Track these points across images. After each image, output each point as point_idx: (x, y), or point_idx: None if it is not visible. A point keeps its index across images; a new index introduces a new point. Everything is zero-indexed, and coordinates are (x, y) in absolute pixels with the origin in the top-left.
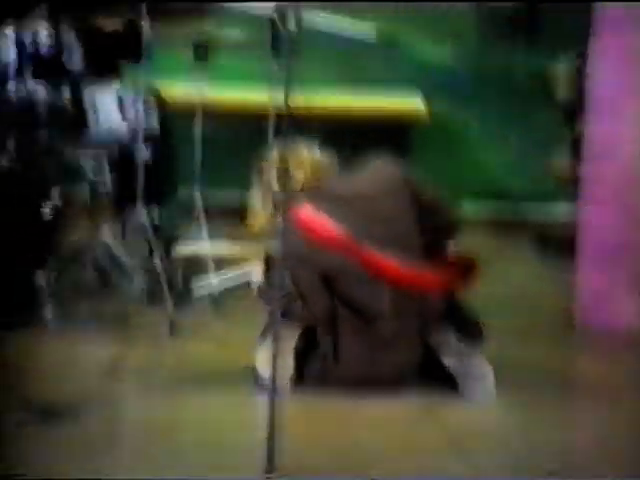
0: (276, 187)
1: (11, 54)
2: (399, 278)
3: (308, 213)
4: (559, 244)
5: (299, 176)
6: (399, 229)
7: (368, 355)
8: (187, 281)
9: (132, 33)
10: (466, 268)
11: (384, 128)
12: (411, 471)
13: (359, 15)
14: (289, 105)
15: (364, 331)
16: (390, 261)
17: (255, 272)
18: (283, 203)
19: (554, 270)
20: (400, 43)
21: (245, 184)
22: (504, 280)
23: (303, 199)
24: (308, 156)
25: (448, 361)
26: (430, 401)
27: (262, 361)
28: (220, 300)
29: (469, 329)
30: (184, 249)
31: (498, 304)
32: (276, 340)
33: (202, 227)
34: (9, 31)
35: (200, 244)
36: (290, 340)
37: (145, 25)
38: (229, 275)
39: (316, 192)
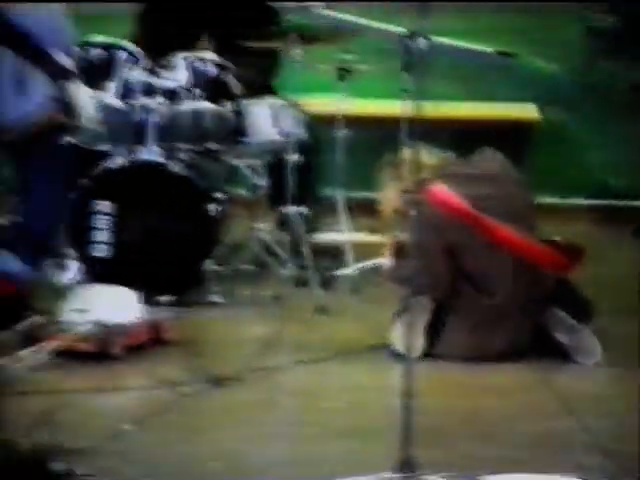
0: (406, 180)
1: (183, 77)
2: (521, 250)
3: (438, 190)
4: None
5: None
6: (518, 207)
7: (486, 327)
8: (331, 267)
9: (279, 55)
10: (574, 252)
11: (501, 134)
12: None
13: (480, 38)
14: (418, 114)
15: (483, 304)
16: (513, 234)
17: (386, 257)
18: (414, 187)
19: None
20: (516, 57)
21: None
22: (607, 264)
23: (434, 179)
24: (432, 156)
25: (559, 336)
26: (543, 370)
27: (397, 336)
28: (359, 283)
29: (578, 307)
30: (327, 237)
31: (603, 286)
32: (409, 315)
33: (342, 221)
34: (181, 58)
35: (341, 234)
36: (422, 316)
37: (293, 48)
38: (366, 263)
39: (444, 173)
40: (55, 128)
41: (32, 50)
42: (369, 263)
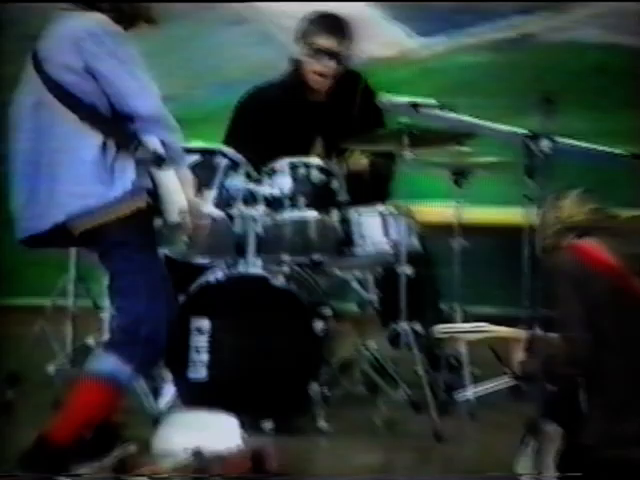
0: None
1: (286, 184)
2: None
3: (587, 243)
4: None
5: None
6: None
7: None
8: (449, 389)
9: (392, 159)
10: None
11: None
12: None
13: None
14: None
15: (627, 380)
16: None
17: (517, 352)
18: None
19: None
20: None
21: (502, 299)
22: None
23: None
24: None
25: None
26: None
27: (524, 466)
28: (479, 407)
29: None
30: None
31: None
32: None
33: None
34: (284, 163)
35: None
36: (552, 442)
37: (405, 151)
38: (487, 384)
39: (589, 228)
40: (142, 216)
41: (124, 133)
42: (490, 385)
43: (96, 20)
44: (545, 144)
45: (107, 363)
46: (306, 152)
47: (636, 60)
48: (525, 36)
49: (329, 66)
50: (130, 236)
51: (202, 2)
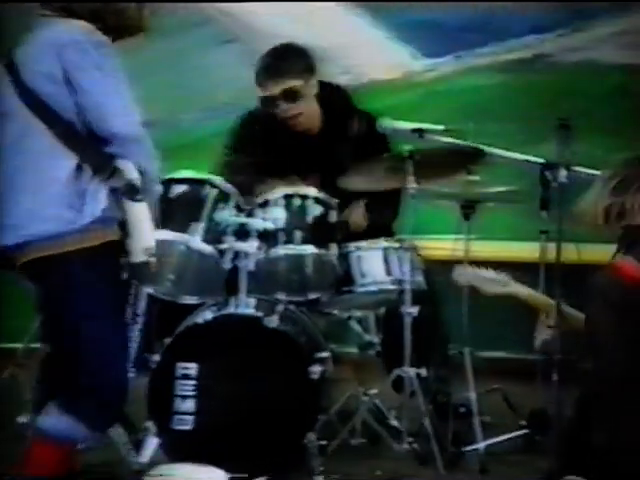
0: None
1: (281, 217)
2: None
3: (626, 263)
4: None
5: None
6: None
7: None
8: (458, 440)
9: (395, 193)
10: None
11: None
12: None
13: None
14: (559, 259)
15: None
16: None
17: (541, 326)
18: None
19: None
20: None
21: (516, 342)
22: None
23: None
24: None
25: None
26: None
27: None
28: (490, 461)
29: None
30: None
31: None
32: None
33: (470, 384)
34: (279, 195)
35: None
36: None
37: (409, 182)
38: (497, 438)
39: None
40: (110, 250)
41: (98, 158)
42: (500, 438)
43: (80, 28)
44: (562, 173)
45: (61, 423)
46: (301, 183)
47: None
48: (540, 56)
49: (290, 107)
50: (94, 272)
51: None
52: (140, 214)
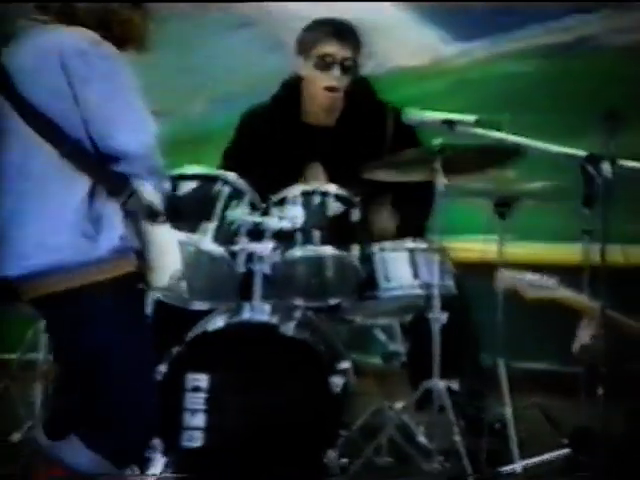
0: None
1: (299, 216)
2: None
3: None
4: None
5: None
6: None
7: None
8: (493, 459)
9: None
10: None
11: None
12: None
13: None
14: (605, 257)
15: None
16: None
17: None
18: None
19: None
20: None
21: (554, 352)
22: None
23: None
24: None
25: None
26: None
27: None
28: None
29: None
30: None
31: None
32: None
33: (505, 398)
34: (297, 192)
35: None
36: None
37: (440, 180)
38: (538, 457)
39: None
40: (129, 282)
41: (114, 179)
42: (539, 458)
43: (85, 36)
44: (606, 168)
45: (83, 457)
46: (322, 179)
47: None
48: (582, 40)
49: (341, 78)
50: (112, 304)
51: (204, 2)
52: (164, 236)
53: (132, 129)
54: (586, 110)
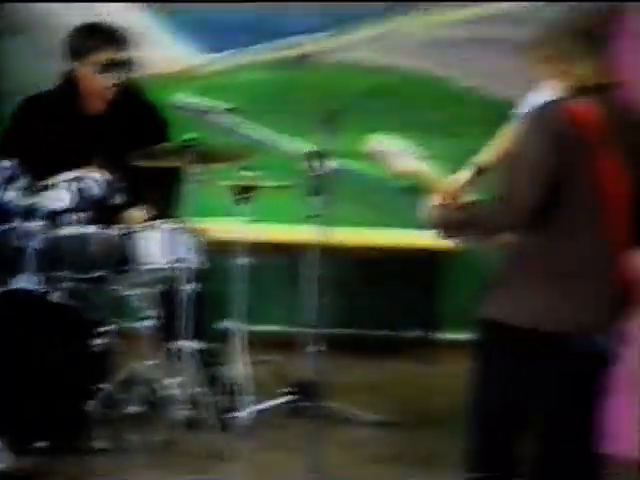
0: None
1: (67, 198)
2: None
3: (581, 106)
4: None
5: None
6: None
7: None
8: (228, 407)
9: (177, 174)
10: None
11: (413, 262)
12: None
13: None
14: (326, 241)
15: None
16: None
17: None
18: None
19: None
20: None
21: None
22: None
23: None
24: None
25: None
26: None
27: None
28: (258, 426)
29: None
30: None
31: None
32: None
33: (240, 356)
34: (65, 176)
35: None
36: None
37: (189, 166)
38: (267, 403)
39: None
40: None
41: None
42: (269, 403)
43: None
44: (325, 163)
45: None
46: (87, 166)
47: None
48: (304, 56)
49: (119, 77)
50: None
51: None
52: None
53: None
54: (311, 113)
